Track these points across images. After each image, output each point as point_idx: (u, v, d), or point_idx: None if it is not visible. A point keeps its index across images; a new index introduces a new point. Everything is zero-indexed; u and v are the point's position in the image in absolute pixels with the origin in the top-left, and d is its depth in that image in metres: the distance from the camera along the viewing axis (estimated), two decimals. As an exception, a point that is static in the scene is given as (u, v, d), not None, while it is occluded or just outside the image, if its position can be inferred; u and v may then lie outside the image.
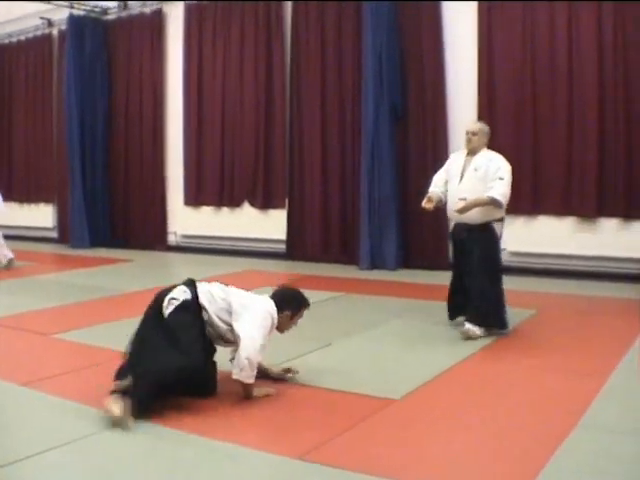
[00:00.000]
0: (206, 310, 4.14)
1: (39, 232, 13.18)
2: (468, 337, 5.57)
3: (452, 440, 3.66)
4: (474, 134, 5.76)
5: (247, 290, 4.47)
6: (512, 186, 5.68)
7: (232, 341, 4.17)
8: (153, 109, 11.85)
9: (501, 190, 5.53)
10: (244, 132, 10.79)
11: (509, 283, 5.98)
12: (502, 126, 8.36)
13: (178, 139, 11.58)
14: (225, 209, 11.15)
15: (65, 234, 12.58)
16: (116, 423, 3.70)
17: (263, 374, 4.43)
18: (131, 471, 3.30)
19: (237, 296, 4.24)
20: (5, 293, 8.14)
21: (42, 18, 13.02)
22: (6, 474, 3.21)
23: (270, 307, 4.24)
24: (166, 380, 3.92)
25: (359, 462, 3.33)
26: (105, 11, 12.38)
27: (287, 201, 10.36)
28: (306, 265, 9.65)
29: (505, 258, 6.56)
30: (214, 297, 4.16)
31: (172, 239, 11.82)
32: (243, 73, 10.78)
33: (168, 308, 4.08)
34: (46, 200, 13.28)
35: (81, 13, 12.27)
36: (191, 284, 4.21)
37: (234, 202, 11.01)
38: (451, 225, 6.13)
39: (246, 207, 10.92)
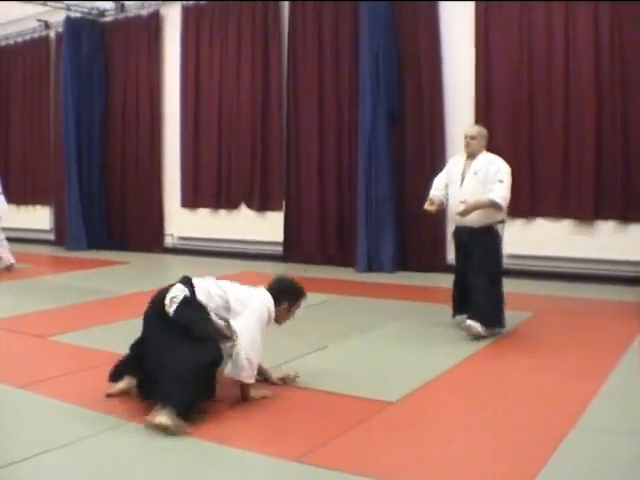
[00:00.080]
0: (204, 307, 4.12)
1: (36, 234, 13.16)
2: (471, 333, 5.63)
3: (450, 442, 3.66)
4: (472, 138, 5.80)
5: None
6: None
7: (229, 336, 4.13)
8: (150, 111, 11.84)
9: (501, 193, 5.57)
10: (241, 133, 10.79)
11: (506, 285, 5.98)
12: (499, 128, 8.35)
13: (175, 141, 11.57)
14: (222, 211, 11.14)
15: (62, 236, 12.57)
16: (171, 432, 3.62)
17: (263, 377, 4.42)
18: (127, 473, 3.29)
19: (233, 292, 4.19)
20: (2, 295, 8.13)
21: (39, 20, 13.02)
22: (3, 476, 3.20)
23: (267, 301, 4.20)
24: (201, 376, 3.85)
25: (357, 464, 3.32)
26: (102, 13, 12.38)
27: (284, 203, 10.35)
28: (303, 267, 9.63)
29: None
30: (211, 294, 4.11)
31: (169, 241, 11.81)
32: (240, 74, 10.77)
33: (171, 307, 3.99)
34: (43, 202, 13.27)
35: (78, 15, 12.26)
36: (187, 282, 4.16)
37: (231, 204, 11.00)
38: (453, 227, 6.16)
39: (243, 209, 10.91)
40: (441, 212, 6.31)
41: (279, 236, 10.31)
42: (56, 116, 12.65)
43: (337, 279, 8.83)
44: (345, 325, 6.34)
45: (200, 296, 4.08)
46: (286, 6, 10.31)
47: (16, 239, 11.30)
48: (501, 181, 5.59)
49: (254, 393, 4.15)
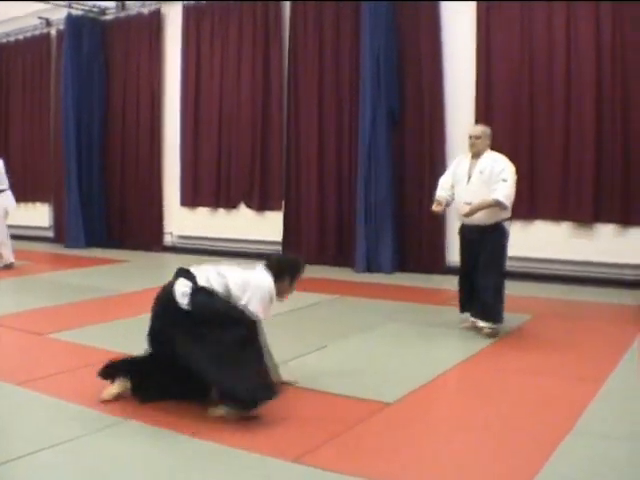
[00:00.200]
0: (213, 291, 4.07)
1: (35, 231, 13.14)
2: (485, 334, 5.75)
3: (449, 443, 3.66)
4: (477, 138, 5.86)
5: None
6: (511, 190, 5.77)
7: None
8: (150, 110, 11.83)
9: (505, 192, 5.62)
10: (241, 133, 10.78)
11: (505, 287, 5.97)
12: (499, 129, 8.27)
13: (175, 140, 11.56)
14: (221, 210, 11.13)
15: (61, 234, 12.56)
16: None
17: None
18: (125, 472, 3.28)
19: (233, 276, 4.12)
20: (0, 292, 8.12)
21: (40, 18, 13.00)
22: (-1, 474, 3.20)
23: (267, 282, 4.15)
24: (246, 355, 3.92)
25: (355, 465, 3.32)
26: (103, 11, 12.36)
27: (283, 203, 10.35)
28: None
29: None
30: (211, 282, 4.05)
31: (168, 240, 11.80)
32: (241, 74, 10.76)
33: (184, 299, 3.93)
34: (42, 199, 13.24)
35: (79, 13, 12.25)
36: (187, 273, 4.12)
37: (230, 203, 10.99)
38: (458, 225, 6.20)
39: (242, 208, 10.90)
40: (440, 213, 6.36)
41: (278, 236, 10.30)
42: (56, 114, 12.64)
43: (336, 279, 8.83)
44: (344, 325, 6.34)
45: (203, 283, 4.03)
46: (287, 6, 10.30)
47: (15, 236, 11.28)
48: (505, 180, 5.64)
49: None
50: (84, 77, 12.08)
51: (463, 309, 6.14)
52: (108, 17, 12.38)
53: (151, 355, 4.18)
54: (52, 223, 13.10)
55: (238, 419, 3.84)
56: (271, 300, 4.16)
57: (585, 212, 8.17)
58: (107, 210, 12.43)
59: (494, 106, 8.68)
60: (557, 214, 8.36)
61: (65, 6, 12.09)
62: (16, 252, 9.85)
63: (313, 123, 9.99)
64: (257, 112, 10.59)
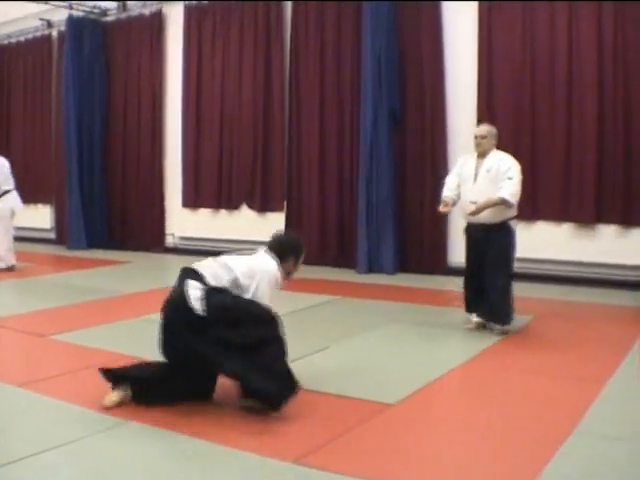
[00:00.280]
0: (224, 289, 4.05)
1: (37, 233, 13.15)
2: (487, 327, 5.86)
3: (450, 443, 3.65)
4: (483, 137, 5.88)
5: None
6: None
7: None
8: (151, 111, 11.84)
9: (510, 190, 5.65)
10: (242, 134, 10.78)
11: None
12: (501, 129, 8.18)
13: (176, 141, 11.57)
14: (223, 211, 11.13)
15: (63, 235, 12.57)
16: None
17: None
18: (126, 473, 3.28)
19: (239, 266, 4.08)
20: (2, 293, 8.13)
21: (41, 19, 13.02)
22: (0, 475, 3.20)
23: (272, 265, 4.15)
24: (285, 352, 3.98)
25: (356, 466, 3.31)
26: (104, 12, 12.38)
27: (285, 204, 10.35)
28: (303, 268, 9.61)
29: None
30: (222, 281, 4.02)
31: (170, 241, 11.80)
32: (242, 74, 10.77)
33: (199, 304, 3.88)
34: (44, 201, 13.25)
35: (80, 14, 12.27)
36: (193, 273, 4.07)
37: (232, 204, 10.99)
38: (464, 223, 6.20)
39: (244, 210, 10.90)
40: (443, 214, 6.36)
41: (280, 237, 10.28)
42: (58, 115, 12.65)
43: (338, 280, 8.83)
44: (346, 326, 6.34)
45: (212, 281, 4.00)
46: (288, 6, 10.31)
47: (17, 237, 11.29)
48: (510, 178, 5.66)
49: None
50: (85, 78, 12.10)
51: (469, 309, 6.12)
52: (109, 18, 12.39)
53: (154, 363, 4.18)
54: (54, 225, 13.11)
55: (242, 418, 3.84)
56: (277, 283, 4.16)
57: (587, 213, 8.16)
58: (108, 211, 12.44)
59: (495, 106, 8.67)
60: (559, 215, 8.35)
61: (66, 7, 12.10)
62: (18, 254, 9.85)
63: (314, 123, 9.99)
64: (258, 112, 10.59)
